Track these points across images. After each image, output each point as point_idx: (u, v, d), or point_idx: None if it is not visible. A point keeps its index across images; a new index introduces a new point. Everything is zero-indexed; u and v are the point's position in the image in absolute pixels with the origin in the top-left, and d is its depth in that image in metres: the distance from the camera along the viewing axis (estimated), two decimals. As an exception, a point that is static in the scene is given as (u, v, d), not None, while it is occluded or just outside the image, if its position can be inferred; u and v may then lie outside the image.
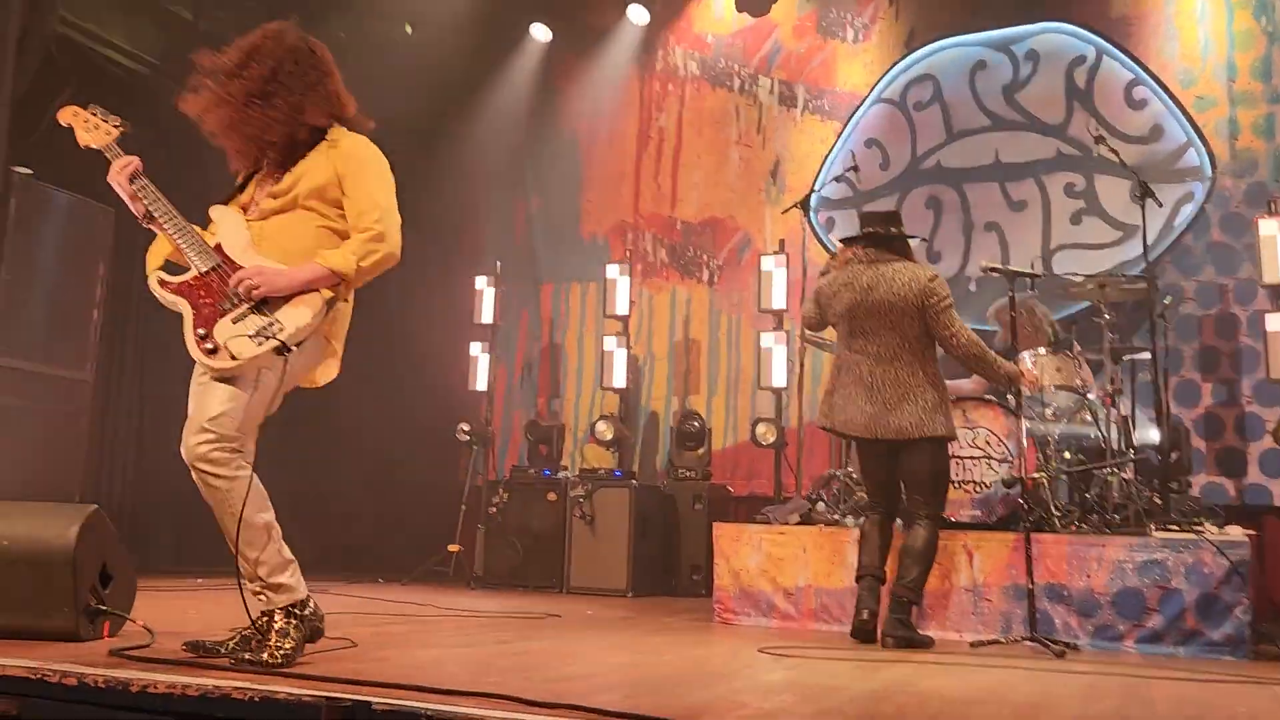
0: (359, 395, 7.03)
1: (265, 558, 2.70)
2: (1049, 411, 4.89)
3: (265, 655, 2.57)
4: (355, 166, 2.86)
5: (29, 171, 5.17)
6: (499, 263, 7.79)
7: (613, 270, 7.47)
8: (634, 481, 6.60)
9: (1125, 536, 4.32)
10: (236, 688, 2.30)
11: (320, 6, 6.91)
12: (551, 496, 6.72)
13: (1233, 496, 5.98)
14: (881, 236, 4.25)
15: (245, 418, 2.70)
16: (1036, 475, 4.61)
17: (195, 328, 2.71)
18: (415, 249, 2.98)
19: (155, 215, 2.82)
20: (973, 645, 4.09)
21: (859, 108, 7.41)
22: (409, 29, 7.93)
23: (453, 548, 6.98)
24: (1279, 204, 5.71)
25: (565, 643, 3.77)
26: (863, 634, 3.98)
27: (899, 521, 4.27)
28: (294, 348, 2.68)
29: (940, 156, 7.11)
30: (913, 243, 4.35)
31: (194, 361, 2.87)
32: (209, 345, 2.68)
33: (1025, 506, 4.36)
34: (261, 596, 2.73)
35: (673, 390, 7.76)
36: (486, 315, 7.71)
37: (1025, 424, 4.63)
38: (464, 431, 7.37)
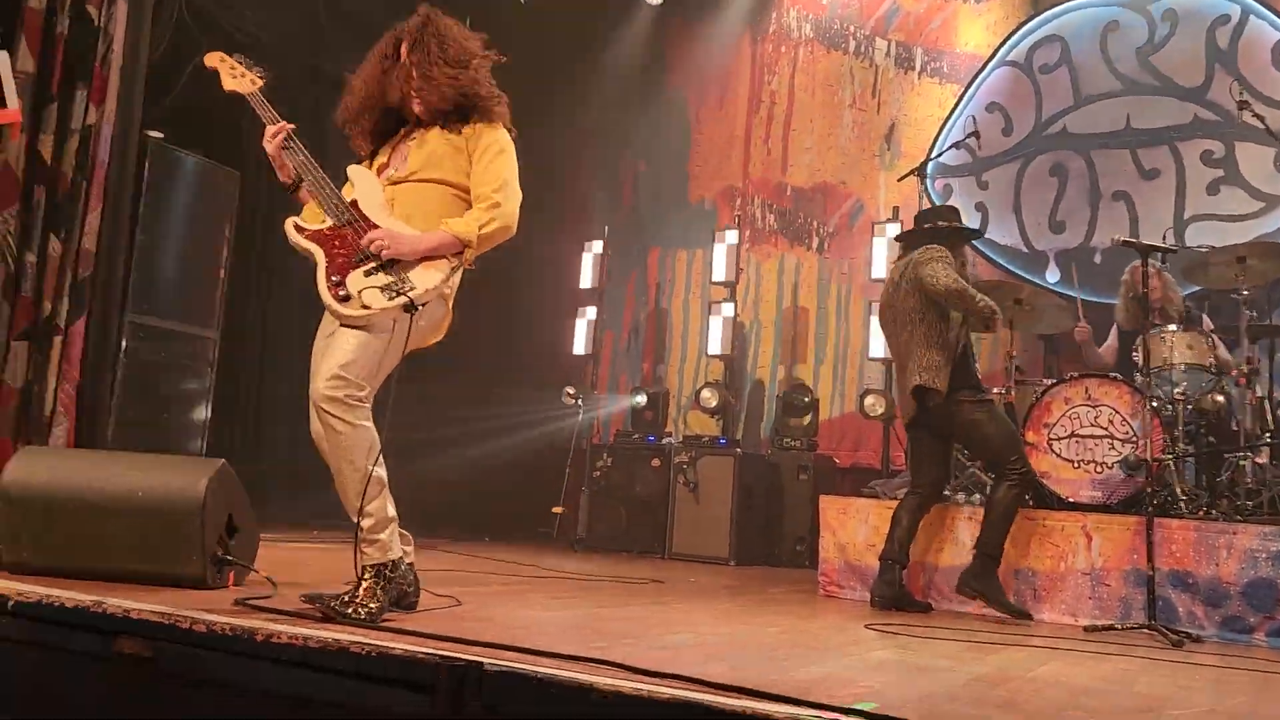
0: (468, 356, 7.15)
1: (371, 510, 2.77)
2: (1178, 391, 4.66)
3: (350, 610, 2.63)
4: (485, 145, 2.98)
5: (161, 135, 5.37)
6: (606, 228, 7.80)
7: (720, 236, 7.41)
8: (738, 449, 6.57)
9: (1259, 524, 4.10)
10: (354, 642, 2.36)
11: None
12: (655, 462, 6.75)
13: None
14: (911, 234, 4.53)
15: (371, 369, 2.78)
16: (1162, 457, 4.41)
17: (329, 274, 2.80)
18: (524, 214, 3.01)
19: (302, 177, 2.92)
20: (1087, 630, 3.96)
21: (980, 70, 7.13)
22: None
23: (557, 510, 7.09)
24: None
25: (669, 610, 3.78)
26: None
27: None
28: (420, 306, 2.74)
29: (1067, 121, 6.80)
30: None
31: (315, 320, 2.97)
32: (342, 292, 2.76)
33: (1149, 489, 4.19)
34: (360, 550, 2.79)
35: (779, 358, 7.67)
36: (593, 280, 7.74)
37: (1152, 403, 4.43)
38: (569, 395, 7.44)
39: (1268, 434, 4.63)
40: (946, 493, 4.80)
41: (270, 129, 2.94)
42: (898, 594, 4.25)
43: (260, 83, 3.04)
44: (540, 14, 7.78)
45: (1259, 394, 4.74)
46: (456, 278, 2.95)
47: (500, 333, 7.94)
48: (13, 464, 3.19)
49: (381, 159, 3.08)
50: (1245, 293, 4.79)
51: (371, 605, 2.67)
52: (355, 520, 2.78)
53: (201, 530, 3.06)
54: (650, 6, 8.36)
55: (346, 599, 2.68)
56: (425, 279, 2.80)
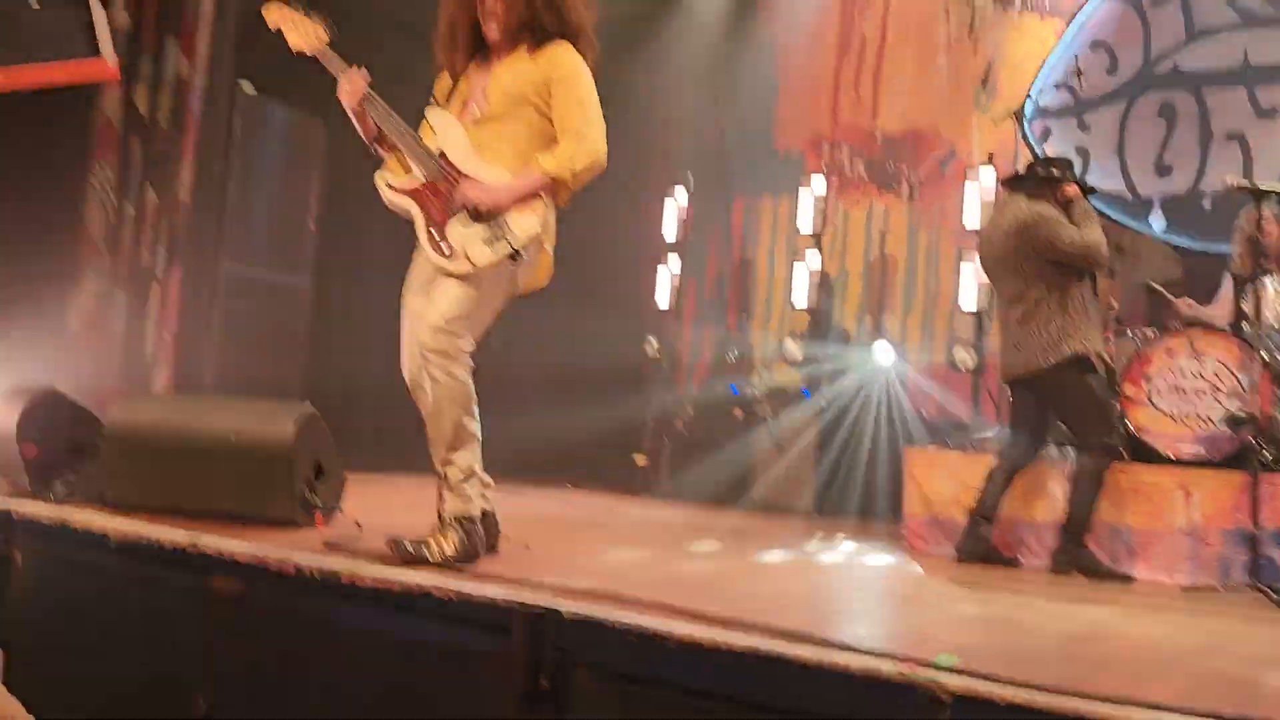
0: (553, 309, 7.17)
1: (458, 459, 2.80)
2: (1291, 343, 4.42)
3: (427, 554, 2.67)
4: (565, 74, 2.90)
5: (251, 86, 5.46)
6: (690, 176, 7.69)
7: (806, 183, 7.24)
8: (821, 402, 6.48)
9: (1376, 484, 3.88)
10: (436, 586, 2.40)
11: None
12: (738, 413, 6.70)
13: None
14: (1018, 178, 4.38)
15: (475, 320, 2.80)
16: (1272, 412, 4.19)
17: (428, 229, 2.80)
18: (610, 163, 2.96)
19: (384, 132, 2.89)
20: (1185, 590, 3.82)
21: (1085, 5, 6.77)
22: None
23: (639, 458, 7.10)
24: None
25: (749, 561, 3.76)
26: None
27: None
28: (524, 253, 2.74)
29: (1177, 59, 6.42)
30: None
31: (404, 269, 2.99)
32: (445, 248, 2.76)
33: (1257, 445, 3.99)
34: (443, 498, 2.82)
35: (866, 309, 7.51)
36: (676, 230, 7.67)
37: (1262, 355, 4.20)
38: (651, 346, 7.42)
39: (1390, 390, 4.35)
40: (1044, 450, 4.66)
41: (343, 85, 2.87)
42: (985, 549, 4.16)
43: (327, 36, 2.96)
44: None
45: (1384, 348, 4.46)
46: (552, 219, 2.92)
47: (582, 282, 7.91)
48: (116, 408, 3.32)
49: (461, 94, 3.00)
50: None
51: (448, 550, 2.71)
52: (441, 469, 2.82)
53: (290, 472, 3.15)
54: (737, -52, 8.14)
55: (426, 543, 2.73)
56: (524, 224, 2.78)
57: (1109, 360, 4.41)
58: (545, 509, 4.93)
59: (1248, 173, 5.99)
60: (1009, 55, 7.08)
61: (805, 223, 7.22)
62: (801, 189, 7.28)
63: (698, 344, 8.12)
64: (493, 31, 2.93)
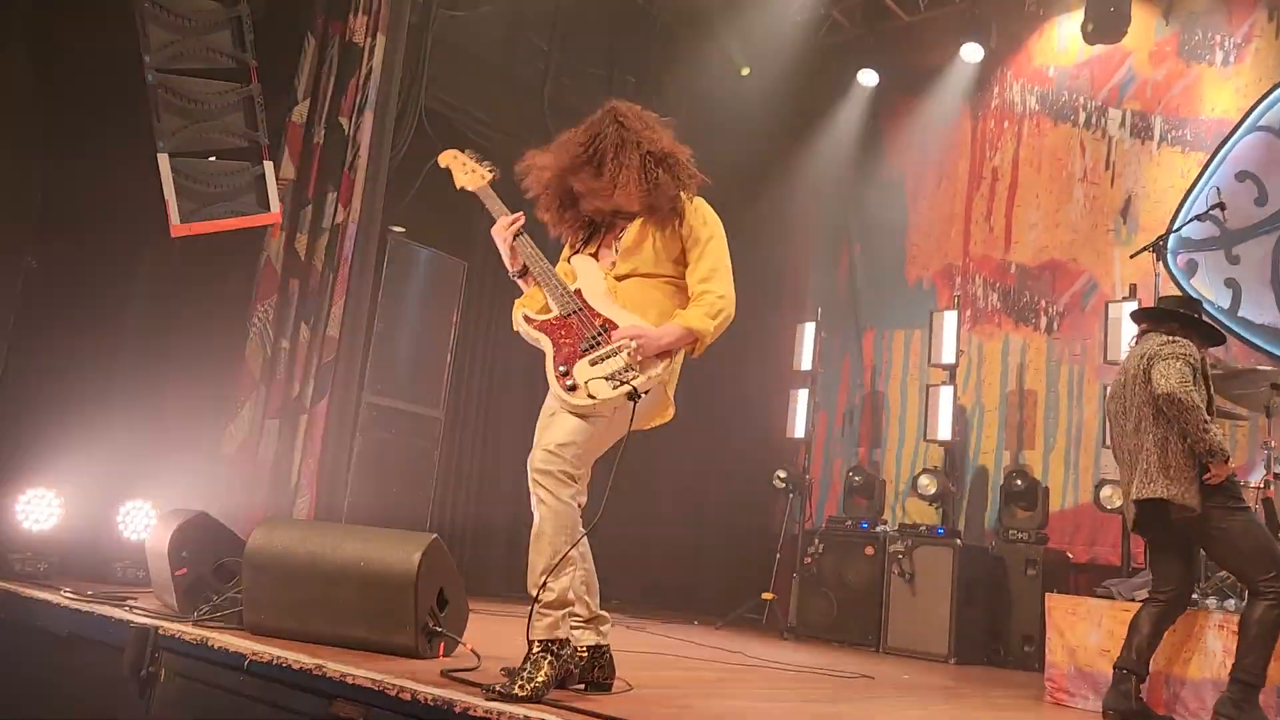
0: (682, 439, 7.22)
1: (555, 584, 2.80)
2: None
3: (515, 688, 2.64)
4: (700, 231, 3.04)
5: (402, 230, 5.86)
6: (820, 309, 7.73)
7: (940, 316, 7.17)
8: (958, 540, 6.23)
9: None
10: (544, 718, 2.40)
11: (657, 63, 7.30)
12: (869, 550, 6.50)
13: None
14: (1151, 313, 4.21)
15: (587, 451, 2.88)
16: None
17: (557, 364, 2.92)
18: (740, 294, 3.03)
19: (530, 269, 3.06)
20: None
21: (1229, 137, 6.61)
22: (745, 72, 8.15)
23: (767, 595, 6.95)
24: None
25: (878, 709, 3.59)
26: None
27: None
28: (643, 394, 2.81)
29: (1331, 188, 6.17)
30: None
31: (535, 400, 3.10)
32: (569, 382, 2.87)
33: None
34: (532, 623, 2.81)
35: (1004, 444, 7.26)
36: (807, 362, 7.67)
37: None
38: (780, 478, 7.35)
39: None
40: (1195, 597, 4.33)
41: (503, 220, 3.08)
42: (1135, 707, 3.84)
43: (491, 176, 3.19)
44: (759, 93, 7.94)
45: None
46: (677, 365, 3.00)
47: (714, 414, 7.97)
48: (257, 533, 3.49)
49: (590, 248, 3.16)
50: None
51: (538, 680, 2.69)
52: (534, 594, 2.83)
53: (414, 601, 3.21)
54: (866, 88, 8.35)
55: (513, 676, 2.72)
56: (649, 368, 2.87)
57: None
58: (669, 645, 4.85)
59: None
60: (1149, 187, 6.95)
61: (939, 355, 7.11)
62: (934, 321, 7.20)
63: (828, 476, 7.99)
64: (619, 203, 3.08)
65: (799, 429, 7.59)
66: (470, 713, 2.49)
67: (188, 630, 3.18)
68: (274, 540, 3.41)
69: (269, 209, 4.61)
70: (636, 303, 2.99)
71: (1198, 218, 5.80)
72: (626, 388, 2.79)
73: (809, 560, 6.73)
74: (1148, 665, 3.92)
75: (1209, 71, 6.87)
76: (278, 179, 4.68)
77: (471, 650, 3.21)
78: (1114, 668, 3.94)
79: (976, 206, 7.81)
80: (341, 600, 3.25)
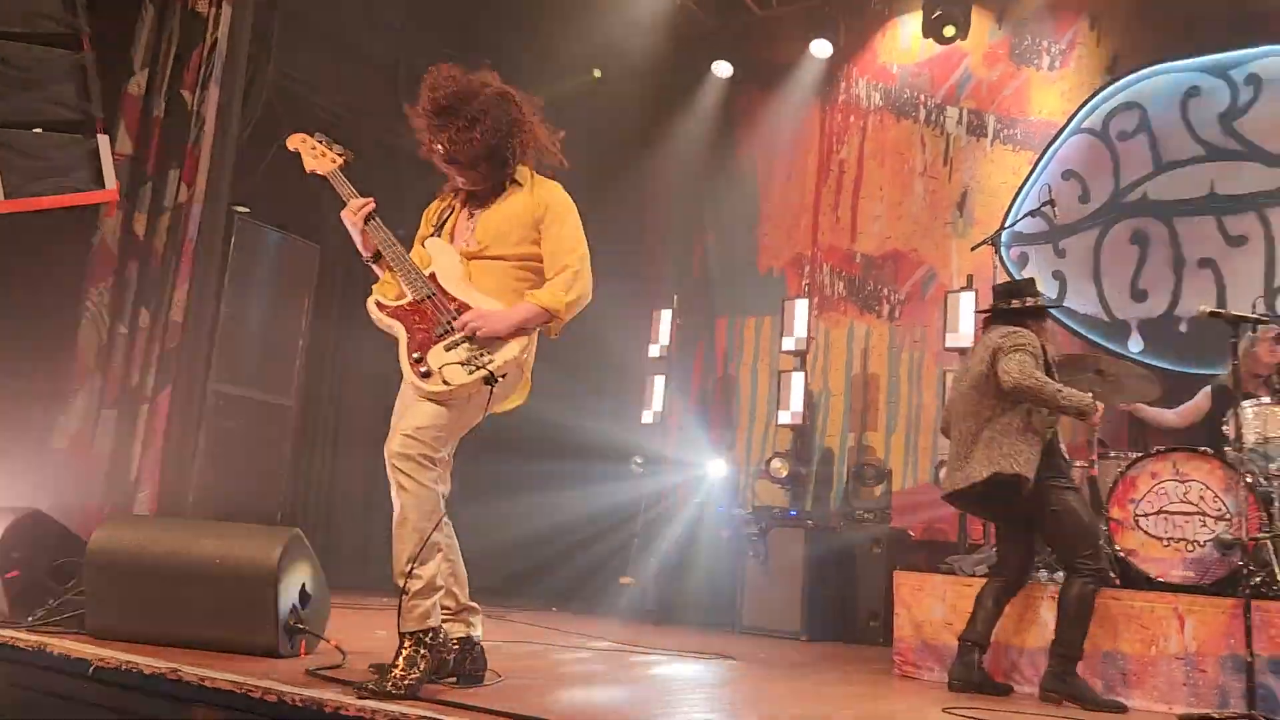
0: (539, 425, 7.18)
1: (421, 574, 2.75)
2: (1273, 466, 4.46)
3: (389, 685, 2.59)
4: (552, 211, 3.03)
5: (246, 211, 5.58)
6: (676, 297, 7.84)
7: (790, 304, 7.39)
8: (809, 521, 6.46)
9: (1366, 609, 3.87)
10: (421, 715, 2.35)
11: (513, 47, 7.20)
12: (724, 534, 6.66)
13: None
14: (998, 311, 4.38)
15: (445, 435, 2.83)
16: (1259, 536, 4.20)
17: (410, 351, 2.86)
18: (597, 281, 3.05)
19: (383, 253, 2.98)
20: (1181, 718, 3.76)
21: (1056, 138, 7.06)
22: (597, 74, 8.16)
23: (625, 580, 7.02)
24: None
25: (740, 688, 3.69)
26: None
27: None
28: (500, 378, 2.78)
29: (1147, 189, 6.67)
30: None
31: (390, 389, 3.02)
32: (424, 369, 2.81)
33: (1246, 569, 3.99)
34: (403, 614, 2.75)
35: (849, 427, 7.56)
36: (662, 349, 7.77)
37: (1246, 479, 4.24)
38: (637, 464, 7.42)
39: (1371, 512, 4.39)
40: (1034, 573, 4.64)
41: (353, 203, 3.01)
42: (978, 677, 4.09)
43: (341, 160, 3.11)
44: (614, 86, 7.96)
45: (1362, 470, 4.51)
46: (534, 346, 2.99)
47: (568, 402, 7.97)
48: (100, 531, 3.28)
49: (450, 226, 3.10)
50: (1343, 364, 4.59)
51: (412, 676, 2.64)
52: (401, 584, 2.76)
53: (274, 599, 3.09)
54: (720, 80, 8.50)
55: (385, 673, 2.66)
56: (504, 351, 2.85)
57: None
58: (530, 634, 4.84)
59: (1220, 299, 6.17)
60: (984, 182, 7.35)
61: (789, 342, 7.33)
62: (784, 309, 7.42)
63: (681, 461, 8.12)
64: (461, 181, 3.06)
65: (655, 415, 7.69)
66: (342, 712, 2.42)
67: (22, 636, 2.96)
68: (120, 538, 3.21)
69: (104, 186, 4.30)
70: (492, 285, 2.97)
71: (1030, 213, 6.17)
72: (482, 372, 2.76)
73: (666, 545, 6.83)
74: (990, 637, 4.18)
75: (1037, 75, 7.31)
76: (114, 154, 4.38)
77: (336, 646, 3.11)
78: (959, 640, 4.18)
79: (824, 198, 8.08)
80: (196, 600, 3.10)
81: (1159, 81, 6.76)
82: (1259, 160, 6.32)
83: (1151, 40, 6.83)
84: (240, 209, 5.60)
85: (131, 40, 4.70)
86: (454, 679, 2.94)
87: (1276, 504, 4.38)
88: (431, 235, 3.11)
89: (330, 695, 2.50)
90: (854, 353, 7.68)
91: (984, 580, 4.36)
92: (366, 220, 2.99)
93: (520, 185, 3.06)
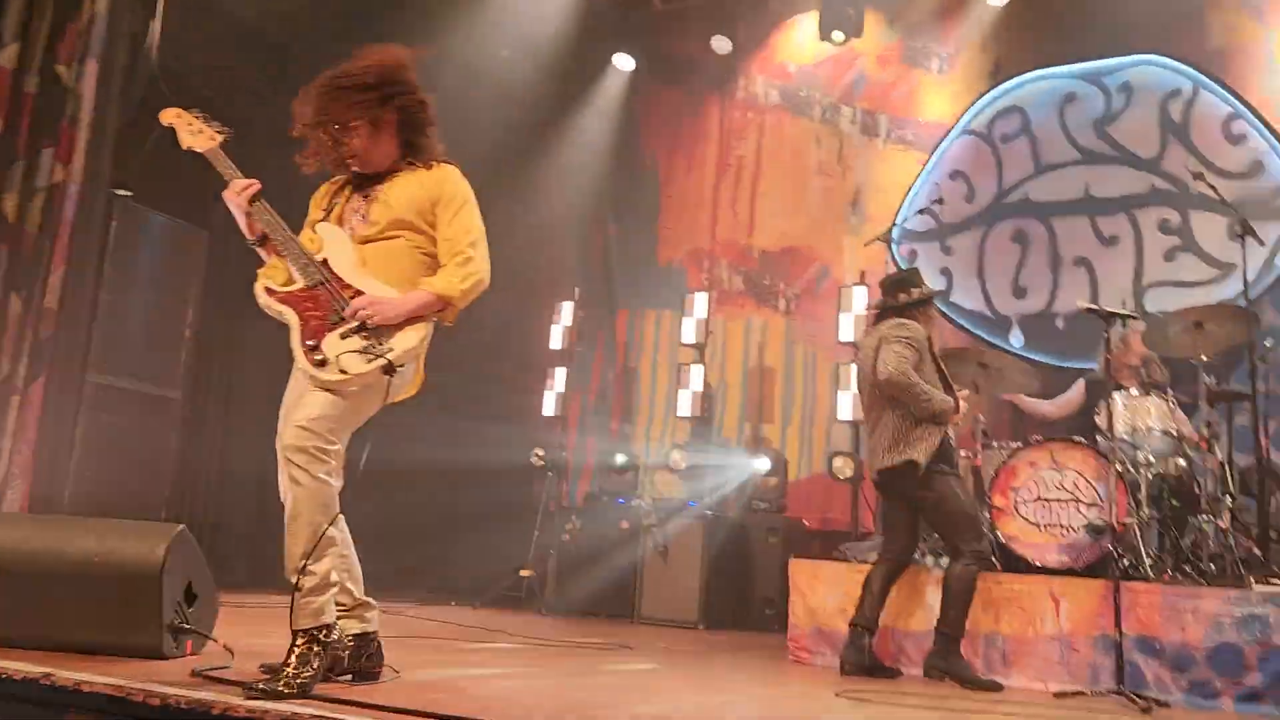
0: (439, 418, 7.11)
1: (316, 567, 2.68)
2: (1141, 455, 4.72)
3: (280, 684, 2.51)
4: (448, 195, 2.96)
5: (129, 194, 5.35)
6: (577, 289, 7.83)
7: (689, 298, 7.46)
8: (707, 512, 6.54)
9: (1223, 589, 4.13)
10: (314, 715, 2.30)
11: (413, 30, 7.06)
12: (624, 525, 6.70)
13: (1336, 548, 5.68)
14: (884, 307, 4.52)
15: (341, 426, 2.75)
16: (1127, 520, 4.44)
17: (304, 339, 2.76)
18: (498, 272, 3.01)
19: (270, 237, 2.88)
20: (1057, 695, 3.95)
21: (944, 139, 7.30)
22: (505, 52, 8.07)
23: (525, 572, 6.99)
24: (1390, 243, 5.46)
25: (638, 677, 3.72)
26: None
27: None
28: (399, 367, 2.72)
29: (1028, 189, 6.96)
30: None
31: (282, 381, 2.94)
32: (319, 357, 2.72)
33: (1115, 553, 4.21)
34: (295, 612, 2.69)
35: (745, 418, 7.69)
36: (564, 340, 7.76)
37: (1116, 467, 4.47)
38: (538, 456, 7.40)
39: (1228, 497, 4.68)
40: (916, 556, 4.79)
41: (235, 183, 2.89)
42: (867, 661, 4.22)
43: (220, 138, 2.97)
44: (514, 75, 7.89)
45: (1219, 458, 4.81)
46: (429, 335, 2.93)
47: (469, 394, 7.90)
48: (-35, 529, 3.10)
49: (339, 211, 3.01)
50: (1204, 358, 4.87)
51: (305, 675, 2.58)
52: (294, 580, 2.68)
53: (158, 598, 2.98)
54: (622, 73, 8.52)
55: (277, 672, 2.59)
56: (403, 340, 2.78)
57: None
58: (428, 629, 4.79)
59: (1094, 295, 6.48)
60: (877, 181, 7.55)
61: (688, 335, 7.41)
62: (685, 303, 7.48)
63: (582, 453, 8.14)
64: (370, 168, 2.98)
65: (556, 407, 7.67)
66: (231, 714, 2.35)
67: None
68: (-11, 538, 3.05)
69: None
70: (385, 270, 2.89)
71: (919, 212, 6.37)
72: (381, 361, 2.70)
73: (566, 537, 6.84)
74: (878, 620, 4.31)
75: (927, 77, 7.54)
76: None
77: (224, 646, 3.02)
78: (849, 625, 4.30)
79: (723, 193, 8.18)
80: (73, 601, 2.97)
81: (1039, 87, 7.06)
82: (1129, 165, 6.65)
83: (1031, 47, 7.12)
84: (122, 192, 5.36)
85: (1, 10, 4.45)
86: (349, 676, 2.88)
87: (1144, 490, 4.63)
88: (322, 219, 3.02)
89: (218, 696, 2.42)
90: (751, 346, 7.81)
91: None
92: (251, 201, 2.89)
93: (416, 168, 3.00)
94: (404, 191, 2.96)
